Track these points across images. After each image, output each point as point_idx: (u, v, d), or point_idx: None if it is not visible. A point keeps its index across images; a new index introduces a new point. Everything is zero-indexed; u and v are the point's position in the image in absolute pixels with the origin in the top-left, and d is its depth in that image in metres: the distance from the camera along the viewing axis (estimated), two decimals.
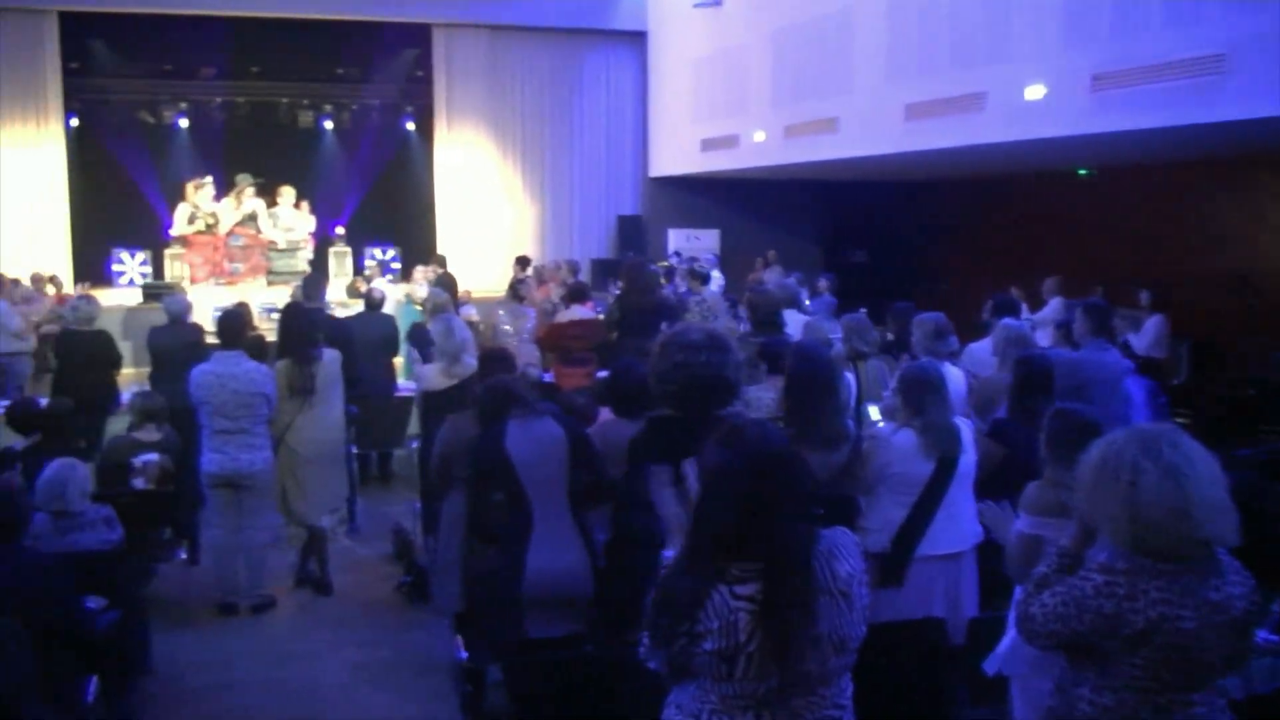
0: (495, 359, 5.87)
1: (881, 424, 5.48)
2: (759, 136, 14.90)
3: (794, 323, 7.69)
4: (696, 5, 16.01)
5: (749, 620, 2.43)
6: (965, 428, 4.70)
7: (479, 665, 4.87)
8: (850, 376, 6.02)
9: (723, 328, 6.61)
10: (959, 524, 4.57)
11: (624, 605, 4.03)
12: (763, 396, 5.26)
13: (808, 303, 10.54)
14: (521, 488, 4.38)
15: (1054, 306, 10.87)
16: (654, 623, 2.53)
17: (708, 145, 16.54)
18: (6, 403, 8.02)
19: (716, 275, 14.66)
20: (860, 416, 5.91)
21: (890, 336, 7.75)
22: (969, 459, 4.64)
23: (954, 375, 5.79)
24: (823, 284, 13.36)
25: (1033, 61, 9.96)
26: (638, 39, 18.61)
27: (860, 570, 2.57)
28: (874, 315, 7.66)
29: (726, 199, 18.40)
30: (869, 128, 12.52)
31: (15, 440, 6.79)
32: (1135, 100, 8.86)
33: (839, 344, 6.84)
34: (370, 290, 10.41)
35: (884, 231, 18.07)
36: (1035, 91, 9.87)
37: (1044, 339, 8.23)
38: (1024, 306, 9.81)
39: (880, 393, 6.24)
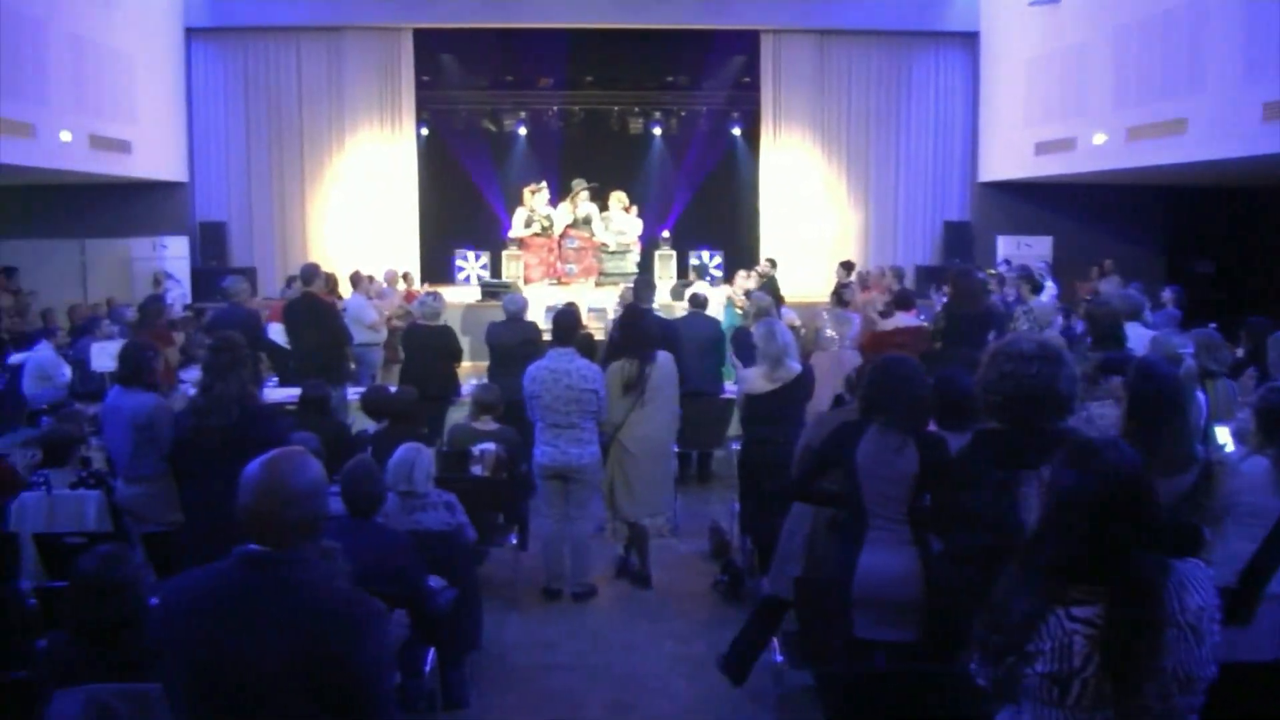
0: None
1: (1231, 448, 5.11)
2: (1099, 139, 14.18)
3: (1137, 337, 7.21)
4: (1032, 4, 15.40)
5: (1085, 645, 2.33)
6: None
7: (794, 668, 4.86)
8: (1201, 396, 5.62)
9: (1054, 339, 6.32)
10: None
11: (954, 621, 3.91)
12: (1105, 414, 4.98)
13: (1150, 316, 9.91)
14: (860, 495, 4.33)
15: None
16: (984, 640, 2.46)
17: (1042, 149, 15.88)
18: (361, 390, 8.66)
19: (1049, 285, 14.05)
20: (1208, 439, 5.51)
21: (1241, 354, 7.20)
22: None
23: None
24: (1167, 296, 12.57)
25: None
26: (969, 40, 18.09)
27: (1213, 605, 2.42)
28: (1224, 331, 7.13)
29: (1060, 204, 17.60)
30: (1222, 129, 11.67)
31: (368, 425, 7.37)
32: None
33: (1189, 360, 6.41)
34: (696, 292, 10.61)
35: (1234, 241, 16.78)
36: None
37: None
38: None
39: (1232, 414, 5.81)
